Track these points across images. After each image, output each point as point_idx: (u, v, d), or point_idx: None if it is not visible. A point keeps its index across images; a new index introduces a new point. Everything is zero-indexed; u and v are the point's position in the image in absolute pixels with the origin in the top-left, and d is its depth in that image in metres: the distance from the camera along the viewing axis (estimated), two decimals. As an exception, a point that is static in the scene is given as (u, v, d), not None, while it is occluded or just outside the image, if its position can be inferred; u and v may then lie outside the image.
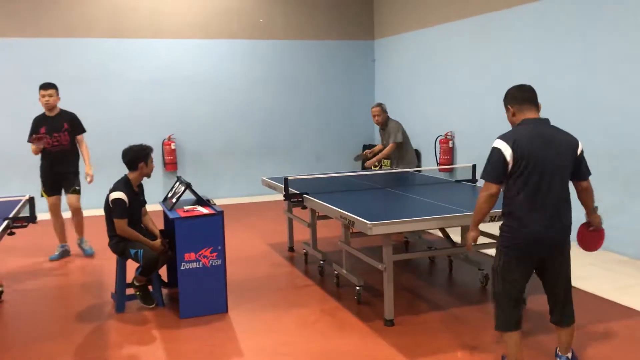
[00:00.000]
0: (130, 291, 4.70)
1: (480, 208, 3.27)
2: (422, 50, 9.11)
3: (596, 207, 3.44)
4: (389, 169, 6.83)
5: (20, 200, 4.91)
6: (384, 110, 6.74)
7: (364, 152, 7.12)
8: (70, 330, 4.27)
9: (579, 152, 3.23)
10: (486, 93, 7.67)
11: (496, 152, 3.18)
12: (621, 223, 5.78)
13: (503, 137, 3.20)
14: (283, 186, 5.28)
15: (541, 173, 3.13)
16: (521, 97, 3.30)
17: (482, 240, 4.16)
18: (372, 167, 7.13)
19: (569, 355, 3.37)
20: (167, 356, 3.80)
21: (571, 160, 3.21)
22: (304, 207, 5.23)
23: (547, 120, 3.26)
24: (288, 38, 10.02)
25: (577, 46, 6.20)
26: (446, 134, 8.47)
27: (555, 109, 6.51)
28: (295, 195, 5.19)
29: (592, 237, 3.57)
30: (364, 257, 4.60)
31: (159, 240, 4.65)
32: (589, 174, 3.33)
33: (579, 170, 3.27)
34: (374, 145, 7.09)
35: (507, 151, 3.14)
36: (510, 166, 3.15)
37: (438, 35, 8.66)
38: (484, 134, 7.58)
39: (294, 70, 10.11)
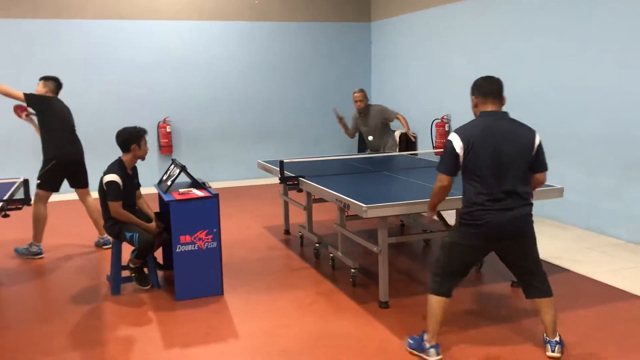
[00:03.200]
0: (125, 273, 4.71)
1: (432, 196, 3.48)
2: (419, 32, 9.04)
3: None
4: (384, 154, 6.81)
5: (14, 183, 4.89)
6: (366, 96, 6.66)
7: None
8: (66, 312, 4.28)
9: (536, 144, 3.29)
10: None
11: (449, 145, 3.30)
12: (617, 207, 5.80)
13: (458, 130, 3.32)
14: (279, 169, 5.27)
15: (495, 164, 3.20)
16: (486, 89, 3.38)
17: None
18: (413, 138, 6.91)
19: (557, 338, 3.38)
20: (162, 338, 3.82)
21: (528, 152, 3.28)
22: (300, 190, 5.23)
23: (505, 114, 3.35)
24: (284, 20, 9.92)
25: (577, 31, 6.16)
26: (442, 118, 8.44)
27: (552, 94, 6.51)
28: (291, 178, 5.18)
29: None
30: (359, 240, 4.60)
31: (154, 223, 4.65)
32: (546, 168, 3.38)
33: (535, 162, 3.32)
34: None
35: (458, 144, 3.25)
36: (462, 158, 3.25)
37: (435, 18, 8.59)
38: (480, 117, 7.55)
39: (290, 52, 10.03)
